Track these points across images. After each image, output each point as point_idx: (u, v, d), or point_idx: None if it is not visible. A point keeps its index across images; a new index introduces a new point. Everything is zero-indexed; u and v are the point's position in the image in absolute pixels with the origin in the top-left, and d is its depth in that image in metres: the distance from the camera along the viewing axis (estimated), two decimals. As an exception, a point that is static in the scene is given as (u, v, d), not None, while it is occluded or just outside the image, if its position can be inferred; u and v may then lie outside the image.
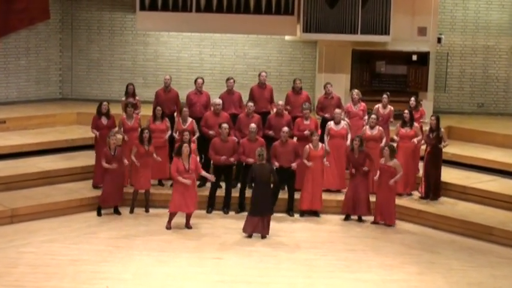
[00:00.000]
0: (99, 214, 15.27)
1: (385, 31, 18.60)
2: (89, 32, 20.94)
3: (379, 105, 16.70)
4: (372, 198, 15.36)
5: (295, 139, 15.96)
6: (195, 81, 16.84)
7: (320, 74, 19.45)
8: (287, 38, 20.16)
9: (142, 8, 19.03)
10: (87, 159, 16.74)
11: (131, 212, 15.49)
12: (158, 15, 19.03)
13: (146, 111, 17.09)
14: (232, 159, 15.43)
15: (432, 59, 19.21)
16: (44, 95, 20.86)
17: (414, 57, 19.10)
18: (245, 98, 16.94)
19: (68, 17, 20.92)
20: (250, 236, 14.33)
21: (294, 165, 15.31)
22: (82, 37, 20.97)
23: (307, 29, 18.71)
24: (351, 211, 15.39)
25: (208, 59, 20.80)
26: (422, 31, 19.10)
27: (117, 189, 15.28)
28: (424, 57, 19.08)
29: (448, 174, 16.48)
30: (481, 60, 20.56)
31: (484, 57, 20.56)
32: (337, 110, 16.25)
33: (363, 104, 16.90)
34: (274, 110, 16.53)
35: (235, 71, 20.32)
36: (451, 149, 17.10)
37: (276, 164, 15.13)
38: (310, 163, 15.29)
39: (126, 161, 15.28)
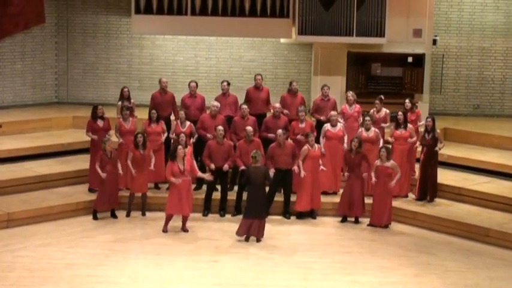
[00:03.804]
0: (95, 218, 15.26)
1: (381, 33, 18.59)
2: (85, 36, 20.91)
3: (373, 110, 16.67)
4: (369, 200, 15.37)
5: (290, 142, 15.93)
6: (189, 84, 16.85)
7: (316, 77, 19.43)
8: (282, 40, 20.14)
9: (138, 11, 19.03)
10: (83, 163, 16.70)
11: (128, 215, 15.48)
12: (153, 18, 19.01)
13: (142, 114, 17.12)
14: (226, 166, 15.37)
15: (427, 60, 19.20)
16: (40, 99, 20.81)
17: (409, 59, 19.10)
18: (241, 100, 16.90)
19: (63, 20, 20.89)
20: (247, 240, 14.31)
21: (296, 168, 15.25)
22: (77, 41, 20.93)
23: (302, 32, 18.71)
24: (347, 212, 15.39)
25: (203, 62, 20.78)
26: (417, 33, 19.10)
27: (112, 193, 15.25)
28: (419, 59, 19.08)
29: (444, 176, 16.48)
30: (477, 61, 20.55)
31: (479, 58, 20.54)
32: (333, 113, 16.25)
33: (357, 105, 16.89)
34: (272, 111, 16.52)
35: (231, 74, 20.32)
36: (447, 150, 17.11)
37: (272, 170, 15.05)
38: (302, 172, 15.23)
39: (120, 171, 15.28)
